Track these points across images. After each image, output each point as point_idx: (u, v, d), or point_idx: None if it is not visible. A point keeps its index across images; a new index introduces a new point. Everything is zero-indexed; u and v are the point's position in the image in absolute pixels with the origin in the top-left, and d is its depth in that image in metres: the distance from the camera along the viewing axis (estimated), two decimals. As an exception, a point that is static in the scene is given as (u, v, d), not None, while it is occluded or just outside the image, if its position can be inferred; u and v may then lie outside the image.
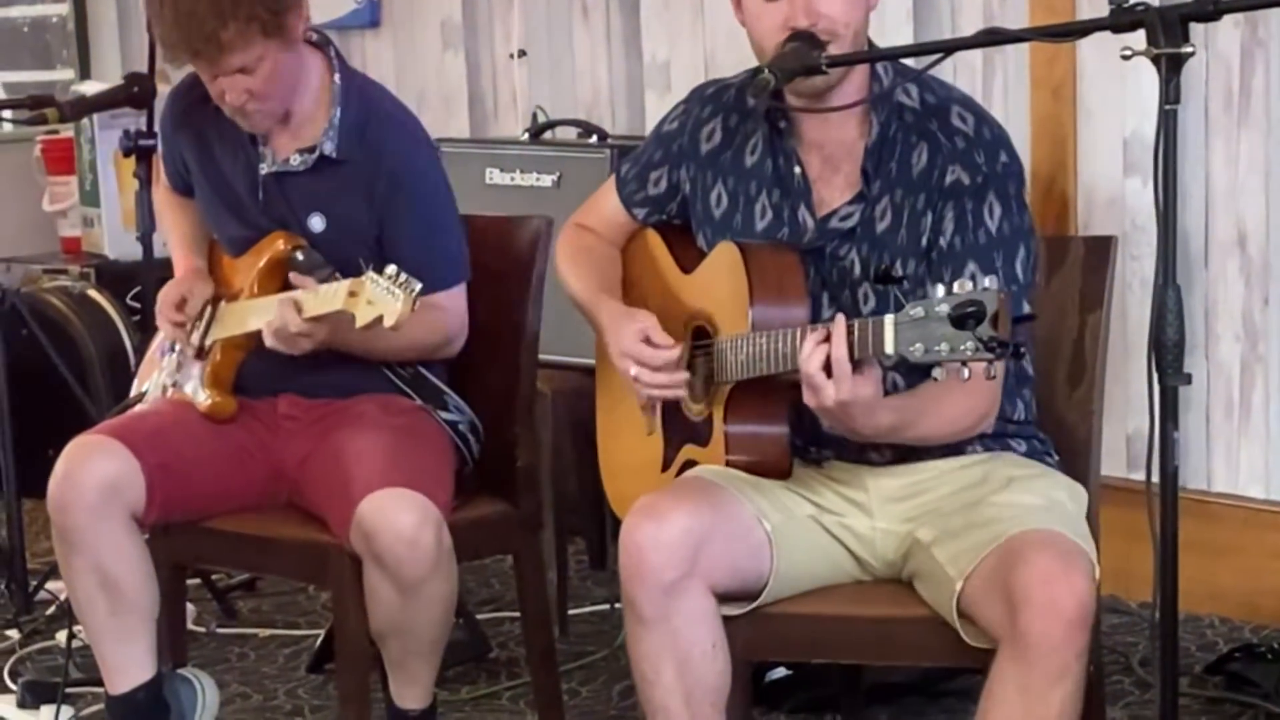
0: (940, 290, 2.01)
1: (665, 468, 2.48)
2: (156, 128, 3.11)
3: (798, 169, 2.39)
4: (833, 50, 2.25)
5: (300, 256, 2.71)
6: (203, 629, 3.50)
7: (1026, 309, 2.31)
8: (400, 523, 2.51)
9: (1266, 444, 3.35)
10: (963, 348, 1.99)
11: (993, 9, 3.52)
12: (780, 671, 3.03)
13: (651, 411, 2.51)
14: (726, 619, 2.26)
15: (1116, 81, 3.37)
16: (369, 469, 2.58)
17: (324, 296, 2.58)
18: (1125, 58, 2.04)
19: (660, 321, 2.52)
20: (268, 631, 3.52)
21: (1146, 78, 2.10)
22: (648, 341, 2.38)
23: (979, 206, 2.30)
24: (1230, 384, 3.37)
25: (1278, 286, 3.30)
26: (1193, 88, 3.28)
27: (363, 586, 2.60)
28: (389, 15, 4.61)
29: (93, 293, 4.39)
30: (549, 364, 3.10)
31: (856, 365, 2.11)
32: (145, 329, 3.48)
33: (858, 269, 2.35)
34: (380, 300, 2.48)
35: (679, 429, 2.45)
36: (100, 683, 2.80)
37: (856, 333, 2.10)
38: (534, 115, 3.95)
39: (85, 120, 4.49)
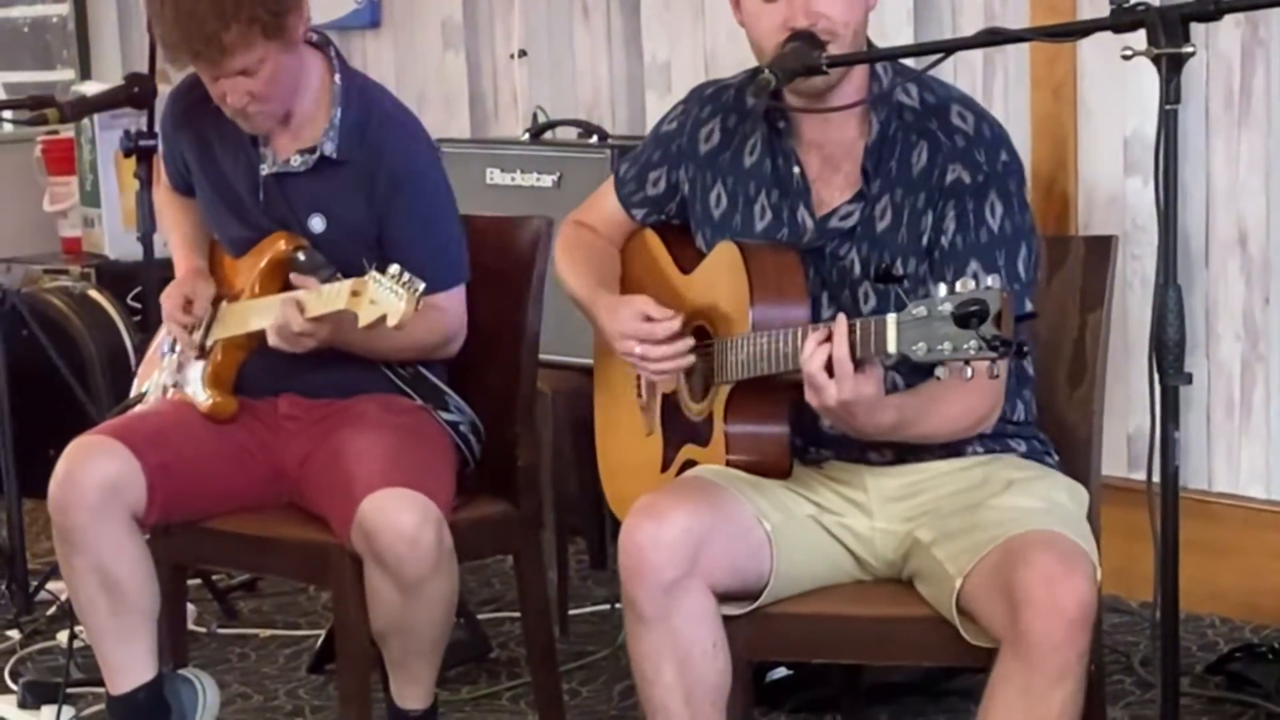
0: (943, 289, 2.01)
1: (665, 468, 2.48)
2: (157, 128, 3.11)
3: (797, 169, 2.39)
4: (832, 50, 2.25)
5: (302, 257, 2.71)
6: (203, 629, 3.50)
7: (1029, 307, 2.31)
8: (401, 522, 2.51)
9: (1267, 443, 3.35)
10: (966, 347, 1.98)
11: (993, 9, 3.52)
12: (781, 671, 3.03)
13: (651, 411, 2.51)
14: (727, 619, 2.26)
15: (1117, 81, 3.37)
16: (370, 469, 2.58)
17: (327, 296, 2.58)
18: (1126, 58, 2.04)
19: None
20: (268, 632, 3.52)
21: (1147, 77, 2.10)
22: (646, 318, 2.37)
23: (980, 205, 2.30)
24: (1231, 383, 3.37)
25: (1278, 285, 3.30)
26: (1193, 87, 3.28)
27: (363, 586, 2.60)
28: (389, 15, 4.61)
29: (93, 293, 4.39)
30: (549, 364, 3.09)
31: (858, 364, 2.11)
32: (146, 329, 3.48)
33: (858, 268, 2.35)
34: (383, 300, 2.48)
35: (678, 429, 2.45)
36: (101, 683, 2.80)
37: (859, 332, 2.10)
38: (534, 115, 3.95)
39: (86, 120, 4.49)
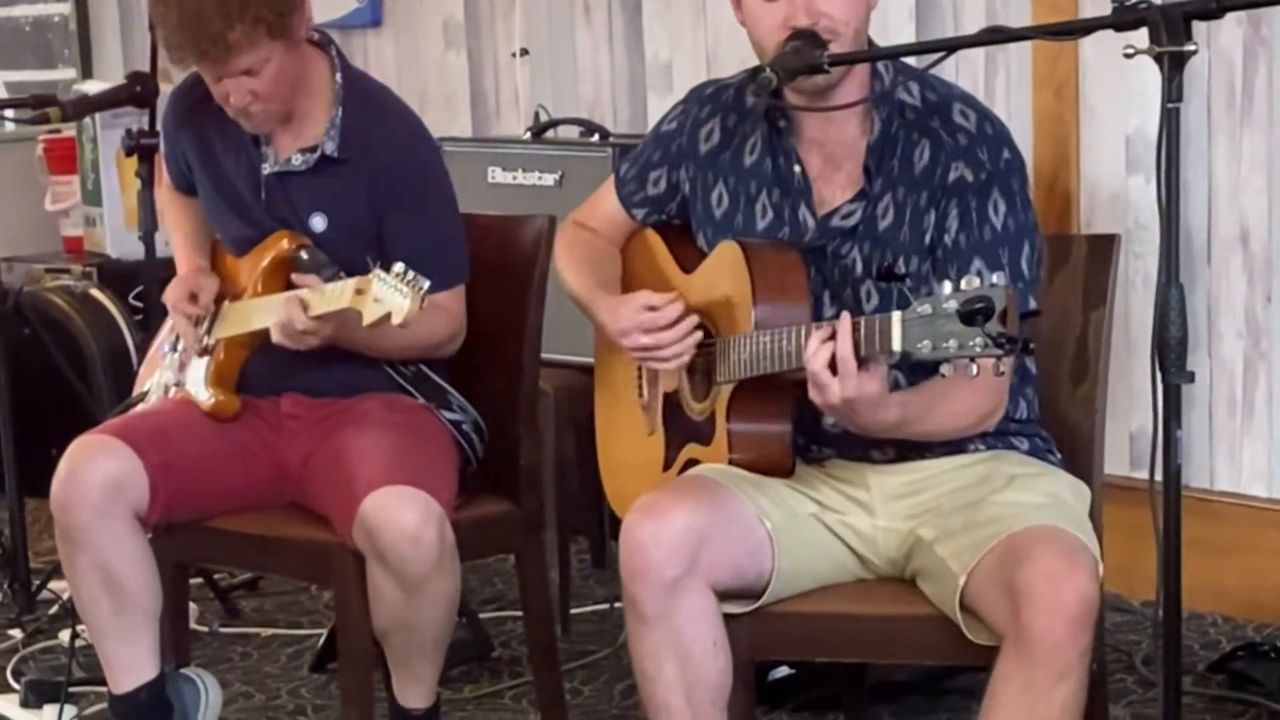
0: (947, 287, 2.01)
1: (667, 467, 2.48)
2: (159, 127, 3.11)
3: (798, 168, 2.39)
4: (834, 49, 2.25)
5: (305, 255, 2.71)
6: (205, 628, 3.50)
7: (1032, 305, 2.30)
8: (403, 520, 2.51)
9: (1269, 442, 3.35)
10: (971, 344, 1.98)
11: (995, 7, 3.52)
12: (783, 670, 3.02)
13: (653, 410, 2.51)
14: (729, 617, 2.26)
15: (1119, 79, 3.37)
16: (372, 467, 2.58)
17: (331, 295, 2.58)
18: (1128, 56, 2.04)
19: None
20: (270, 631, 3.52)
21: (1149, 76, 2.10)
22: (650, 308, 2.37)
23: (983, 203, 2.30)
24: (1233, 382, 3.37)
25: (1280, 284, 3.30)
26: (1195, 86, 3.28)
27: (365, 585, 2.60)
28: (391, 14, 4.61)
29: (95, 292, 4.39)
30: (551, 363, 3.09)
31: (862, 362, 2.11)
32: (147, 328, 3.48)
33: (860, 267, 2.35)
34: (388, 298, 2.48)
35: (680, 428, 2.45)
36: (103, 682, 2.80)
37: (863, 330, 2.10)
38: (536, 114, 3.95)
39: (87, 119, 4.49)
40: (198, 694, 2.87)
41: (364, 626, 2.63)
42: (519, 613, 3.13)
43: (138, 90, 3.49)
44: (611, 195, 2.59)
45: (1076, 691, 2.12)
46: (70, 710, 3.06)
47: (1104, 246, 2.51)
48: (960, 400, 2.27)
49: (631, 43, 4.13)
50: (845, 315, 2.13)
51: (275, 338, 2.65)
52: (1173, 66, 1.99)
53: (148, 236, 3.38)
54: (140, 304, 4.17)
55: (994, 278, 2.00)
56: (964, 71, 3.50)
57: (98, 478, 2.64)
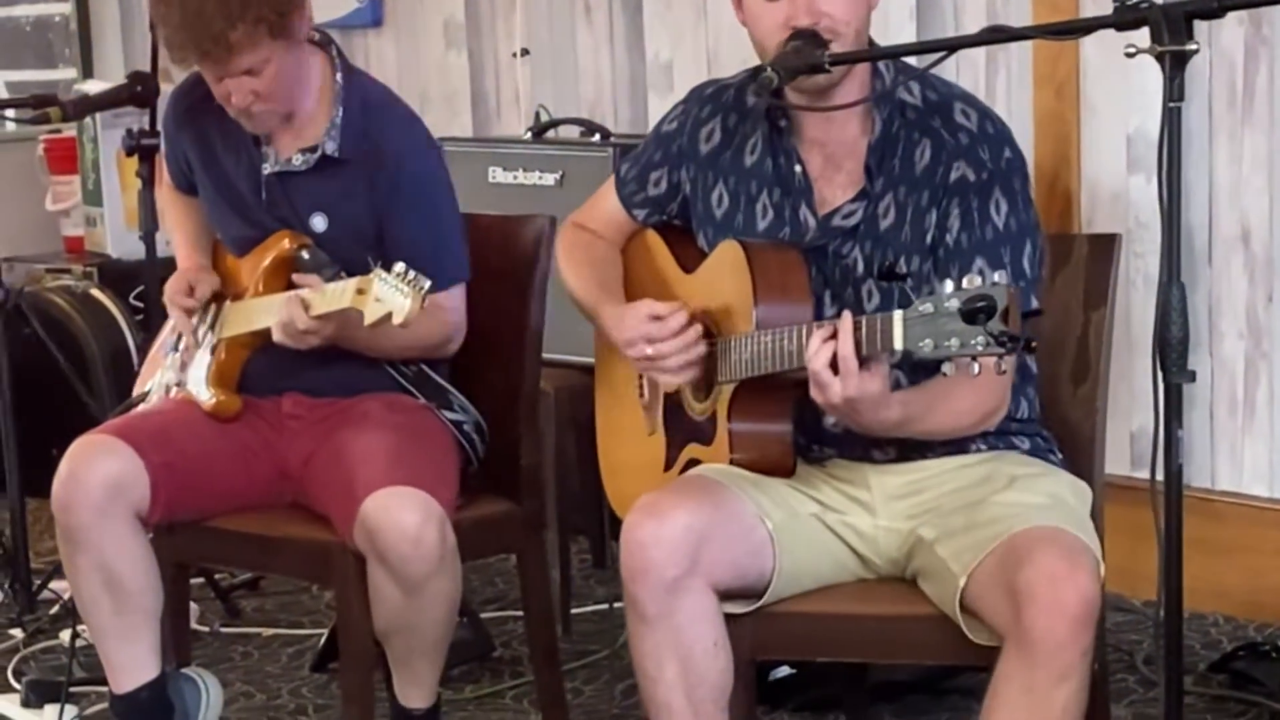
0: (949, 286, 2.01)
1: (668, 467, 2.47)
2: (159, 127, 3.11)
3: (798, 168, 2.38)
4: (835, 48, 2.25)
5: (306, 255, 2.71)
6: (206, 628, 3.50)
7: (1034, 304, 2.30)
8: (404, 521, 2.51)
9: (1271, 442, 3.35)
10: (973, 342, 1.98)
11: (996, 7, 3.52)
12: (784, 670, 3.02)
13: (653, 411, 2.51)
14: (730, 617, 2.26)
15: (1120, 79, 3.37)
16: (373, 468, 2.58)
17: (332, 295, 2.58)
18: (1130, 55, 2.04)
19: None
20: (271, 631, 3.52)
21: (1149, 75, 2.09)
22: (654, 317, 2.36)
23: (985, 202, 2.30)
24: (1234, 381, 3.36)
25: (1282, 283, 3.30)
26: (1196, 85, 3.28)
27: (366, 585, 2.60)
28: (391, 14, 4.61)
29: (96, 292, 4.39)
30: (552, 362, 3.09)
31: (863, 361, 2.11)
32: (148, 328, 3.48)
33: (861, 267, 2.35)
34: (389, 298, 2.48)
35: (681, 428, 2.45)
36: (104, 682, 2.80)
37: (864, 329, 2.10)
38: (537, 114, 3.95)
39: (88, 119, 4.49)
40: (199, 694, 2.87)
41: (365, 626, 2.63)
42: (520, 613, 3.13)
43: (138, 90, 3.49)
44: (612, 196, 2.58)
45: (1078, 692, 2.12)
46: (71, 710, 3.06)
47: (1105, 246, 2.50)
48: (962, 399, 2.26)
49: (632, 43, 4.12)
50: (846, 314, 2.13)
51: (276, 337, 2.65)
52: (1174, 66, 1.99)
53: (148, 236, 3.38)
54: (141, 304, 4.17)
55: (996, 276, 2.00)
56: (965, 71, 3.50)
57: (99, 478, 2.64)
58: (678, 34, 4.02)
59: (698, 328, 2.37)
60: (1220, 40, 3.27)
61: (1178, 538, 2.06)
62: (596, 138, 3.72)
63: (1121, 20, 2.04)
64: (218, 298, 2.86)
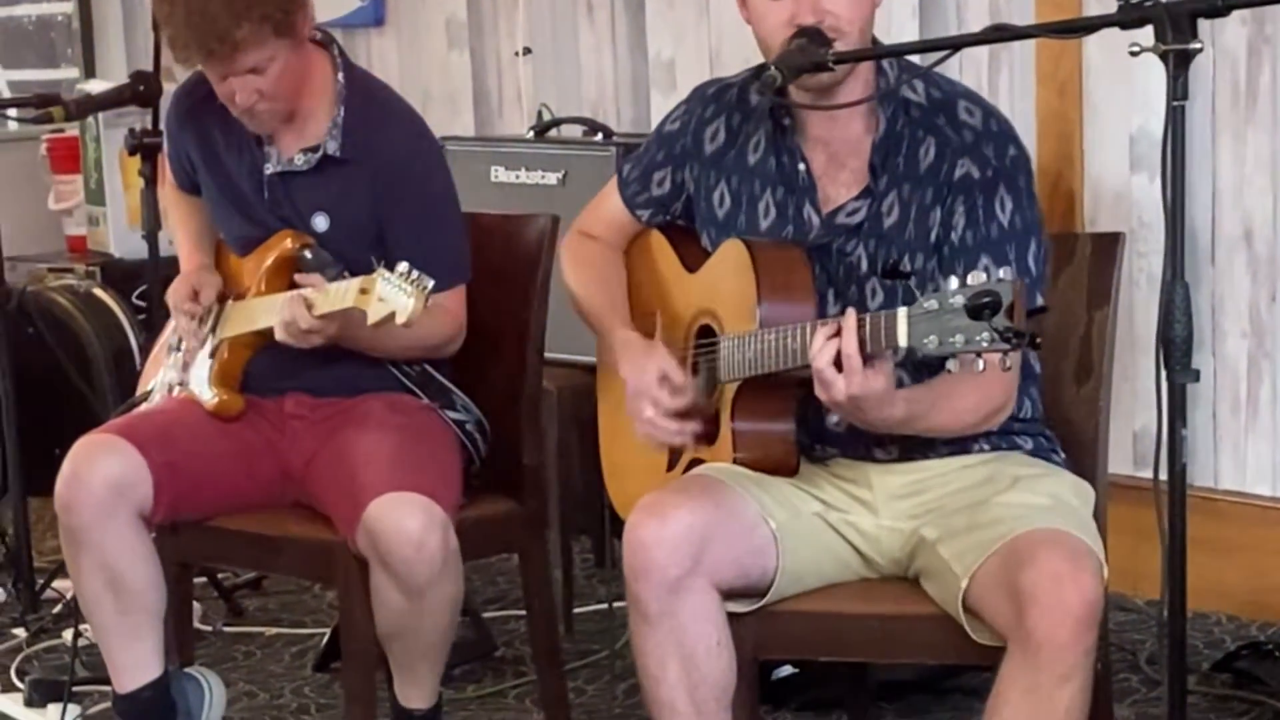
0: (954, 282, 2.01)
1: (670, 468, 2.47)
2: (162, 126, 3.11)
3: (802, 166, 2.38)
4: (840, 46, 2.25)
5: (308, 255, 2.71)
6: (209, 628, 3.50)
7: (1039, 301, 2.30)
8: (407, 527, 2.51)
9: (1274, 441, 3.34)
10: (978, 338, 1.98)
11: (999, 5, 3.52)
12: (786, 670, 3.02)
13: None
14: (733, 617, 2.26)
15: (1122, 78, 3.36)
16: (376, 472, 2.58)
17: (335, 294, 2.58)
18: (1133, 54, 2.04)
19: (665, 321, 2.52)
20: (274, 630, 3.52)
21: (1153, 74, 2.09)
22: (664, 380, 2.37)
23: (990, 200, 2.30)
24: (1237, 381, 3.36)
25: (1285, 283, 3.30)
26: (1199, 84, 3.27)
27: (368, 585, 2.60)
28: (394, 13, 4.61)
29: (98, 291, 4.39)
30: (554, 362, 3.09)
31: (867, 359, 2.10)
32: (151, 327, 3.48)
33: (865, 265, 2.34)
34: (392, 297, 2.48)
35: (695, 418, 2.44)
36: (107, 681, 2.80)
37: (869, 326, 2.10)
38: (539, 113, 3.95)
39: (90, 119, 4.49)
40: (201, 693, 2.87)
41: (367, 626, 2.63)
42: (522, 612, 3.13)
43: (141, 89, 3.49)
44: (615, 197, 2.58)
45: (1081, 692, 2.12)
46: (74, 709, 3.06)
47: (1108, 245, 2.50)
48: (966, 397, 2.26)
49: (634, 41, 4.12)
50: (850, 312, 2.12)
51: (279, 336, 2.65)
52: (1178, 64, 1.99)
53: (151, 236, 3.38)
54: (143, 303, 4.17)
55: (1001, 272, 2.00)
56: (968, 70, 3.49)
57: (101, 477, 2.64)
58: (680, 33, 4.02)
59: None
60: (1223, 39, 3.26)
61: (1182, 537, 2.06)
62: (599, 137, 3.72)
63: (1126, 19, 2.03)
64: (220, 297, 2.86)
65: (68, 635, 3.20)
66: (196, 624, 3.28)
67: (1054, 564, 2.10)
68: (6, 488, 3.71)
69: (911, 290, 2.24)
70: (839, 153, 2.37)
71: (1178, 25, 1.98)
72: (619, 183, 2.58)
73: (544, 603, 2.89)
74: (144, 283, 4.05)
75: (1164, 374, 2.04)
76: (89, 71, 5.22)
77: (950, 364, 2.02)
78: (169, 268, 3.01)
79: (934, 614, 2.25)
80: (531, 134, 3.87)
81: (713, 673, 2.25)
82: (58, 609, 3.56)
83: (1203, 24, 2.01)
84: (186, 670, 2.88)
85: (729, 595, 2.26)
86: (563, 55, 4.25)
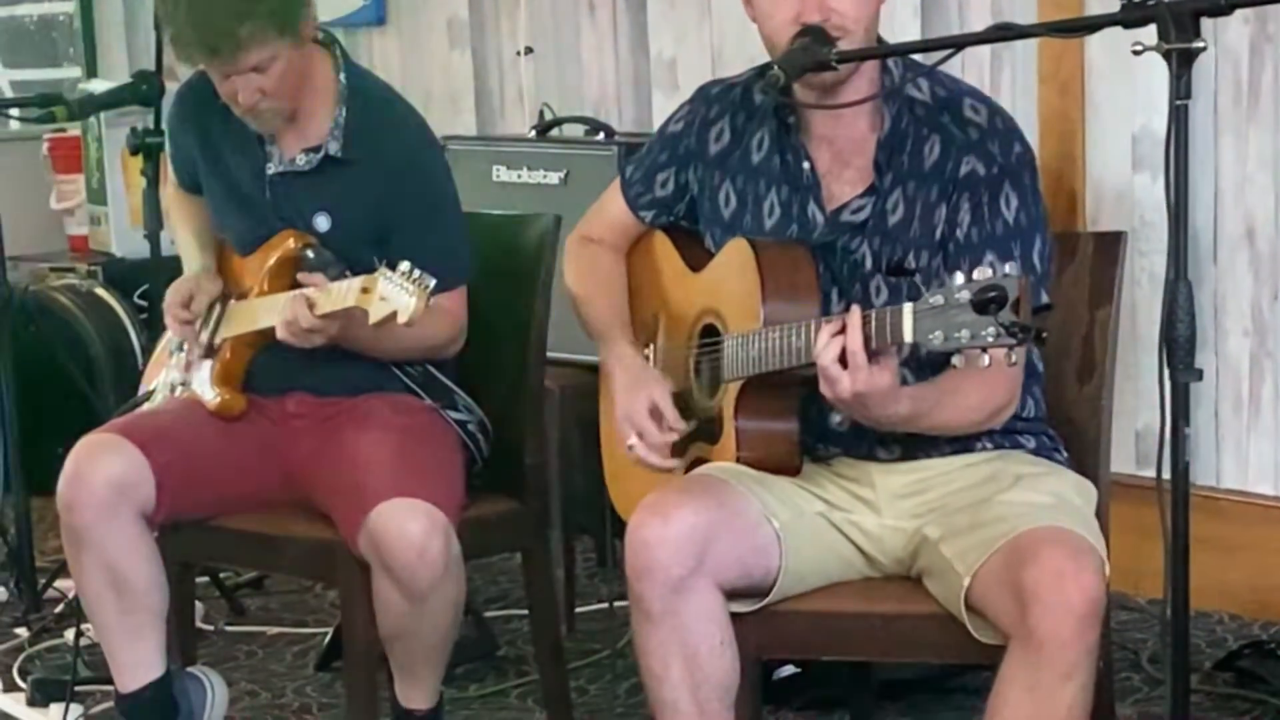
0: (959, 278, 2.00)
1: (673, 467, 2.47)
2: (163, 125, 3.11)
3: (806, 164, 2.38)
4: (845, 45, 2.25)
5: (310, 254, 2.71)
6: (211, 627, 3.49)
7: (1044, 298, 2.30)
8: (409, 532, 2.51)
9: (1276, 440, 3.34)
10: (984, 333, 1.97)
11: (1000, 4, 3.51)
12: (788, 669, 3.02)
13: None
14: (735, 616, 2.26)
15: (1124, 77, 3.36)
16: (378, 476, 2.58)
17: (337, 293, 2.58)
18: (1136, 52, 2.03)
19: (669, 320, 2.52)
20: (276, 629, 3.52)
21: (1155, 73, 2.09)
22: (655, 412, 2.37)
23: (995, 197, 2.30)
24: (1239, 379, 3.36)
25: (1287, 282, 3.30)
26: (1202, 83, 3.27)
27: (370, 584, 2.60)
28: (395, 13, 4.61)
29: (100, 291, 4.39)
30: (556, 361, 3.09)
31: (872, 355, 2.10)
32: (152, 327, 3.48)
33: (869, 262, 2.34)
34: (394, 297, 2.48)
35: (684, 437, 2.44)
36: (109, 681, 2.80)
37: (874, 322, 2.09)
38: (541, 112, 3.95)
39: (92, 118, 4.49)
40: (204, 692, 2.87)
41: (368, 626, 2.63)
42: (524, 611, 3.13)
43: (143, 89, 3.49)
44: (618, 199, 2.58)
45: (1083, 690, 2.12)
46: (76, 709, 3.06)
47: (1110, 244, 2.50)
48: (971, 394, 2.26)
49: (636, 41, 4.12)
50: (855, 308, 2.12)
51: (280, 335, 2.64)
52: (1181, 64, 1.99)
53: (153, 235, 3.38)
54: (145, 303, 4.17)
55: (1006, 267, 1.99)
56: (970, 69, 3.49)
57: (103, 477, 2.64)
58: (682, 32, 4.01)
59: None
60: (1225, 38, 3.26)
61: (1185, 536, 2.06)
62: (601, 136, 3.71)
63: (1129, 18, 2.03)
64: (222, 297, 2.86)
65: (70, 635, 3.20)
66: (198, 623, 3.27)
67: (1056, 561, 2.10)
68: (9, 487, 3.71)
69: (917, 287, 2.24)
70: (844, 151, 2.37)
71: (1181, 24, 1.98)
72: (622, 184, 2.58)
73: (546, 602, 2.89)
74: (146, 282, 4.05)
75: (1167, 373, 2.04)
76: (91, 71, 5.22)
77: (956, 359, 2.02)
78: (171, 268, 3.01)
79: (936, 613, 2.24)
80: (533, 133, 3.87)
81: (716, 672, 2.25)
82: (60, 608, 3.55)
83: (1205, 22, 2.01)
84: (188, 670, 2.88)
85: (732, 595, 2.26)
86: (564, 54, 4.25)
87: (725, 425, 2.35)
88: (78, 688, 3.05)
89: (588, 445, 2.90)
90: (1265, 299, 3.31)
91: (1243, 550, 3.33)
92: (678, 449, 2.45)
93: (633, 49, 4.13)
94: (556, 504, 3.38)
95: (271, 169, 2.78)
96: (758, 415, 2.32)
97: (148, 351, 3.16)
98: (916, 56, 2.40)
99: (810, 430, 2.35)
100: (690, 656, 2.23)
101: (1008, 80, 3.54)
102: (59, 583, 3.58)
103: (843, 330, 2.11)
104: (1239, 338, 3.35)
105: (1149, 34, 2.02)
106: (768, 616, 2.28)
